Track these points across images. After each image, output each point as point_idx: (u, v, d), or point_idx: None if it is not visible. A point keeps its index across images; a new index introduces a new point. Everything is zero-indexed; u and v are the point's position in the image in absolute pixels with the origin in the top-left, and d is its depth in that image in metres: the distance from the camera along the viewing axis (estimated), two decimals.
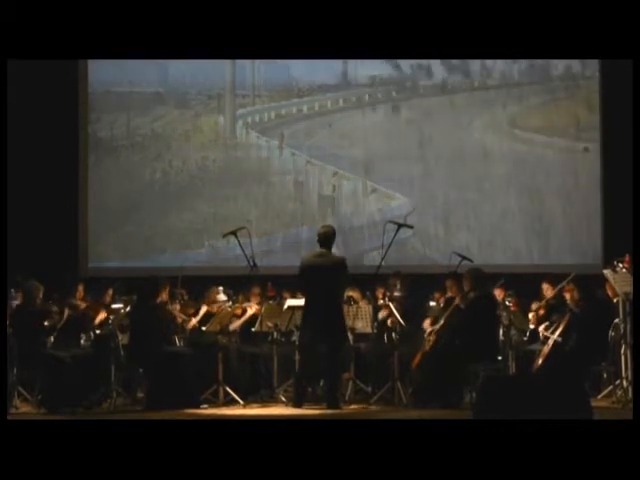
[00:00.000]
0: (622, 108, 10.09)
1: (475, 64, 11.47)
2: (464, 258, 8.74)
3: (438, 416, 7.58)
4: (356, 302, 9.20)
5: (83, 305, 9.07)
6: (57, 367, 8.31)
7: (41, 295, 8.65)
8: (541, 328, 9.14)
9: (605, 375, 8.82)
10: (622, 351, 8.29)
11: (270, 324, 9.05)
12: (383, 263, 8.46)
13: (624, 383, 8.16)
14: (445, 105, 11.52)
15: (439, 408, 8.09)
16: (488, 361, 8.26)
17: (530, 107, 11.52)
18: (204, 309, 9.13)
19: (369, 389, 9.07)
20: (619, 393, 8.25)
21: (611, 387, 8.57)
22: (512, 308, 9.16)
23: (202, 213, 11.36)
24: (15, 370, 8.29)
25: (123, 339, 8.84)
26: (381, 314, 9.19)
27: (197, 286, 9.58)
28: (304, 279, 8.56)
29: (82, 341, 9.05)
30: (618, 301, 8.41)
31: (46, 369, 8.33)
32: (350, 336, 8.92)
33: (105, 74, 11.30)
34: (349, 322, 8.83)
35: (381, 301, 9.33)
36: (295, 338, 9.02)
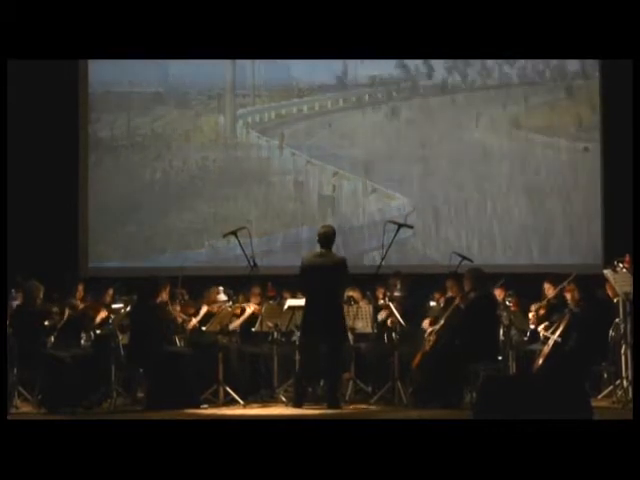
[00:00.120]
0: (622, 108, 10.09)
1: (475, 64, 11.47)
2: (464, 258, 8.74)
3: (438, 416, 7.58)
4: (356, 302, 9.20)
5: (83, 305, 9.08)
6: (57, 367, 8.31)
7: (41, 295, 8.65)
8: (541, 328, 9.14)
9: (605, 375, 8.82)
10: (622, 351, 8.28)
11: (270, 324, 9.05)
12: (383, 263, 8.46)
13: (624, 383, 8.16)
14: (445, 105, 11.52)
15: (439, 408, 8.09)
16: (488, 361, 8.26)
17: (530, 107, 11.52)
18: (204, 309, 9.13)
19: (369, 389, 9.07)
20: (619, 393, 8.25)
21: (611, 387, 8.57)
22: (512, 308, 9.15)
23: (202, 213, 11.36)
24: (15, 370, 8.30)
25: (123, 339, 8.83)
26: (381, 315, 9.19)
27: (197, 286, 9.58)
28: (304, 279, 8.56)
29: (82, 341, 9.05)
30: (618, 301, 8.41)
31: (46, 369, 8.33)
32: (350, 336, 8.93)
33: (105, 74, 11.30)
34: (349, 322, 8.83)
35: (381, 301, 9.33)
36: (295, 338, 9.02)
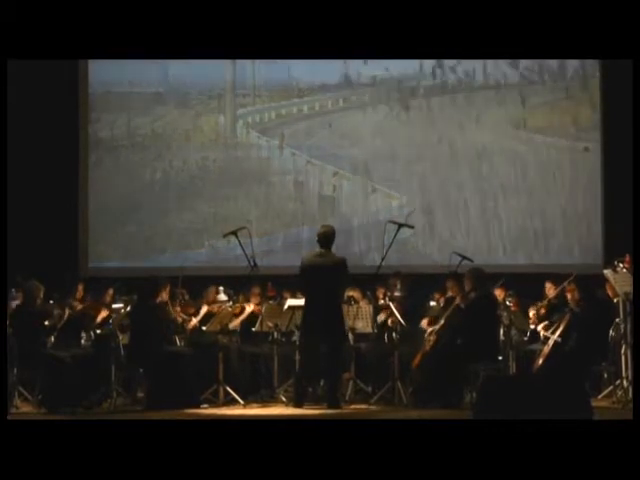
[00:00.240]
0: (622, 108, 10.09)
1: (475, 64, 11.46)
2: (464, 258, 8.73)
3: (438, 416, 7.57)
4: (356, 302, 9.19)
5: (83, 305, 9.08)
6: (57, 367, 8.31)
7: (41, 295, 8.65)
8: (541, 328, 9.14)
9: (605, 375, 8.82)
10: (622, 351, 8.28)
11: (270, 324, 9.05)
12: (383, 263, 8.45)
13: (624, 383, 8.16)
14: (445, 105, 11.52)
15: (439, 408, 8.09)
16: (488, 361, 8.26)
17: (530, 107, 11.52)
18: (204, 309, 9.13)
19: (369, 389, 9.07)
20: (619, 393, 8.24)
21: (611, 387, 8.57)
22: (512, 308, 9.16)
23: (202, 213, 11.36)
24: (15, 370, 8.29)
25: (123, 339, 8.83)
26: (380, 315, 9.19)
27: (197, 286, 9.58)
28: (304, 279, 8.56)
29: (82, 341, 9.05)
30: (618, 301, 8.41)
31: (46, 369, 8.32)
32: (350, 336, 8.94)
33: (105, 74, 11.30)
34: (349, 322, 8.83)
35: (381, 301, 9.33)
36: (295, 338, 9.02)
